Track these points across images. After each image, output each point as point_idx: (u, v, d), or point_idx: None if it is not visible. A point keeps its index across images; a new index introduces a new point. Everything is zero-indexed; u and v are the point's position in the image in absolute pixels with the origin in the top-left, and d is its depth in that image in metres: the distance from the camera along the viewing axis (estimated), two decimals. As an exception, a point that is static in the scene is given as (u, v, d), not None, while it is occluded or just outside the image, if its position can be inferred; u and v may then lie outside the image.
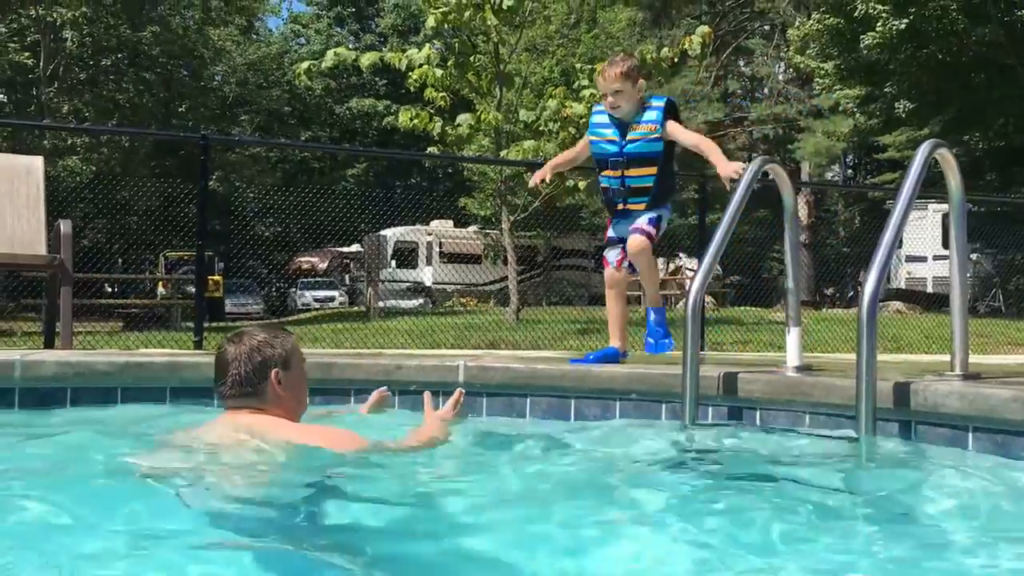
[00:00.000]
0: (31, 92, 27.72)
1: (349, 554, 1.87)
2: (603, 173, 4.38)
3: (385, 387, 3.71)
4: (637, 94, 4.25)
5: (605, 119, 4.34)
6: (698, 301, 3.47)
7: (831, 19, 20.49)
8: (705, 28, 12.79)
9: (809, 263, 25.38)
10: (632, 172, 4.28)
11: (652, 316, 4.55)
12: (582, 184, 12.68)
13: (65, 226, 5.49)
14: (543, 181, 4.61)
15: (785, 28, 28.32)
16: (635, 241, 4.26)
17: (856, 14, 18.90)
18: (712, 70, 30.99)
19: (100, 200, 21.28)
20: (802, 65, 24.16)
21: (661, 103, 4.28)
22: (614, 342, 4.37)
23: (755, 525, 2.03)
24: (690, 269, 22.80)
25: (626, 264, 4.39)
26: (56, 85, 27.70)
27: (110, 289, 20.75)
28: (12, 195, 5.60)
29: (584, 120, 12.29)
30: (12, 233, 5.50)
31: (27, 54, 26.58)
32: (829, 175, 36.17)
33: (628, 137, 4.27)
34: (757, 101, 34.62)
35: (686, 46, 12.42)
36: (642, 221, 4.31)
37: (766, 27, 32.39)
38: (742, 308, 17.53)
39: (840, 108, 24.09)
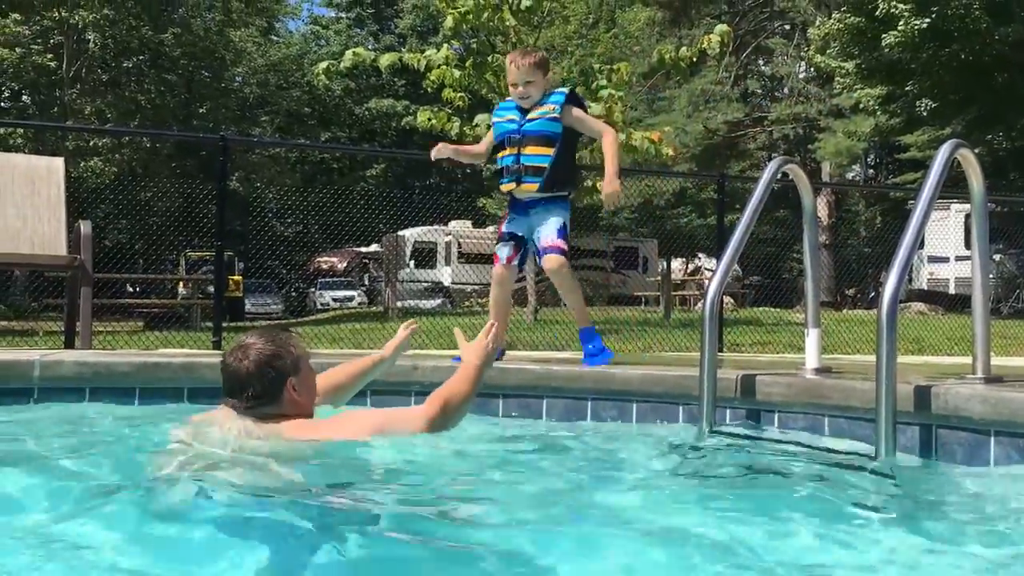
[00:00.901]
0: (54, 93, 27.96)
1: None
2: (500, 154, 4.41)
3: (413, 321, 3.71)
4: (546, 84, 4.35)
5: (511, 105, 4.42)
6: (715, 302, 3.44)
7: (852, 18, 20.35)
8: (724, 27, 12.71)
9: (830, 264, 25.22)
10: (528, 150, 4.30)
11: (583, 338, 4.41)
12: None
13: (85, 227, 5.53)
14: (438, 158, 4.53)
15: (806, 27, 28.15)
16: (551, 261, 4.21)
17: (877, 13, 18.77)
18: (732, 70, 30.85)
19: (122, 200, 21.47)
20: (823, 64, 23.98)
21: (565, 90, 4.40)
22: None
23: (768, 531, 2.01)
24: (709, 270, 22.70)
25: (516, 262, 4.40)
26: (79, 87, 27.93)
27: (132, 289, 20.90)
28: (33, 196, 5.65)
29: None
30: (33, 233, 5.55)
31: (50, 56, 26.82)
32: (850, 175, 35.92)
33: (528, 117, 4.34)
34: (777, 101, 34.42)
35: (705, 45, 12.35)
36: (550, 235, 4.25)
37: (786, 26, 32.20)
38: (762, 309, 17.43)
39: (861, 107, 23.90)
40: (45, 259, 5.64)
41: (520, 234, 4.39)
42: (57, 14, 26.35)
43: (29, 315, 16.42)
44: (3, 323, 14.77)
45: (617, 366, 4.08)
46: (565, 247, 4.26)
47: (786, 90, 33.55)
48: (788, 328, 11.52)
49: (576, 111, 4.34)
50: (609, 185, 4.19)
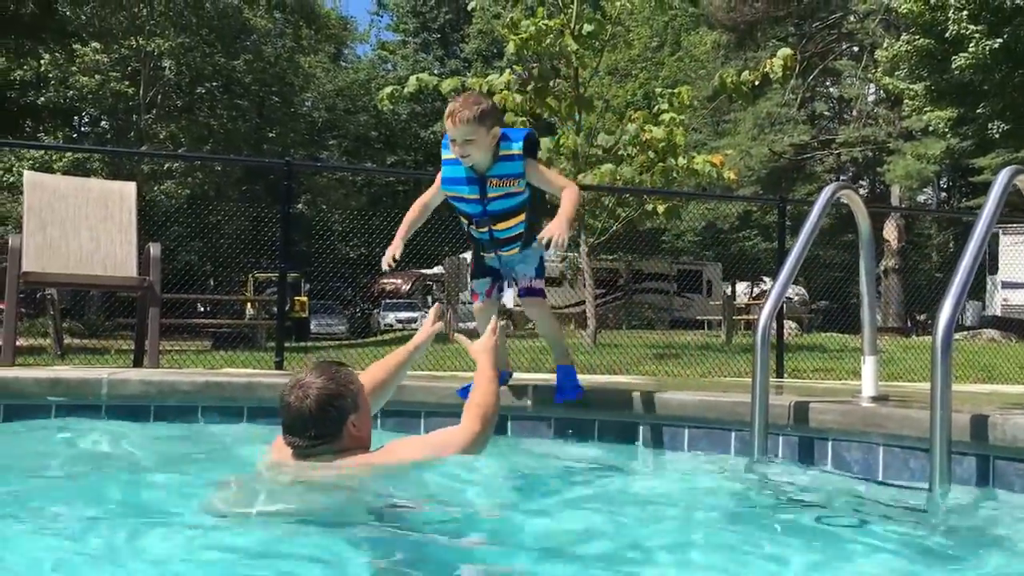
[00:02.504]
0: (131, 119, 28.95)
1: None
2: (468, 226, 3.88)
3: (438, 304, 3.78)
4: (492, 141, 3.60)
5: (460, 173, 3.71)
6: (767, 328, 3.41)
7: (921, 40, 20.01)
8: (787, 51, 12.60)
9: (899, 289, 24.65)
10: (500, 226, 3.79)
11: (560, 375, 4.09)
12: (661, 207, 12.60)
13: (154, 249, 5.72)
14: (395, 259, 3.71)
15: (874, 49, 27.72)
16: (533, 305, 3.96)
17: (947, 35, 18.42)
18: (798, 92, 30.53)
19: (194, 222, 22.06)
20: (891, 86, 23.59)
21: (519, 146, 3.65)
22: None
23: (813, 564, 1.99)
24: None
25: (494, 294, 4.07)
26: (154, 112, 28.88)
27: (201, 309, 21.41)
28: (107, 219, 5.86)
29: (664, 144, 12.25)
30: (106, 256, 5.75)
31: (128, 83, 27.80)
32: (921, 198, 35.13)
33: (488, 195, 3.70)
34: (845, 123, 33.91)
35: (767, 69, 12.27)
36: (528, 275, 3.93)
37: (854, 48, 31.76)
38: (826, 334, 17.12)
39: (931, 130, 23.42)
40: (116, 280, 5.84)
41: (495, 267, 4.04)
42: (135, 42, 27.32)
43: (102, 334, 16.95)
44: (78, 341, 15.26)
45: (672, 391, 4.06)
46: (543, 286, 3.99)
47: (854, 112, 33.05)
48: (853, 354, 11.29)
49: (537, 171, 3.72)
50: (556, 226, 3.45)
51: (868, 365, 3.68)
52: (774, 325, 4.19)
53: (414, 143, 42.88)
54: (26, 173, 6.18)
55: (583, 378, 4.19)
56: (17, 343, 5.59)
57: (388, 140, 41.28)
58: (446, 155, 3.74)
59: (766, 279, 27.15)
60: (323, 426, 2.73)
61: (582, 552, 2.09)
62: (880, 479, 3.12)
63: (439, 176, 3.81)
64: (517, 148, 3.64)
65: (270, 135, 33.60)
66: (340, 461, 2.74)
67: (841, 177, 32.29)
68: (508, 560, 2.07)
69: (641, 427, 3.88)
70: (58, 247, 5.63)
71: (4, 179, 21.74)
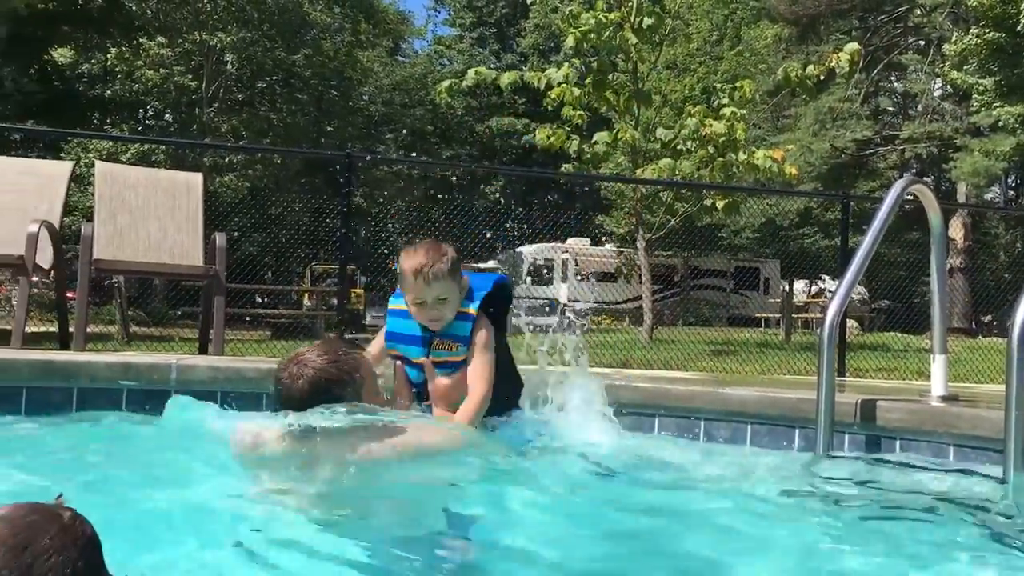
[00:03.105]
0: (194, 112, 29.52)
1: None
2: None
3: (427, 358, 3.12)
4: (461, 296, 3.05)
5: (412, 329, 3.10)
6: (835, 325, 3.36)
7: (991, 33, 19.49)
8: (854, 45, 12.39)
9: (965, 289, 24.07)
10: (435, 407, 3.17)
11: None
12: (720, 203, 12.48)
13: (220, 239, 5.82)
14: None
15: (941, 43, 27.07)
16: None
17: (1019, 28, 17.90)
18: (862, 87, 29.94)
19: (254, 214, 22.40)
20: (959, 81, 23.01)
21: (476, 306, 3.05)
22: None
23: (885, 563, 1.96)
24: (833, 292, 22.01)
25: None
26: (216, 106, 29.40)
27: (260, 300, 21.76)
28: (174, 209, 5.99)
29: (724, 139, 12.11)
30: (173, 244, 5.88)
31: (191, 77, 28.35)
32: (989, 196, 34.22)
33: (432, 358, 3.09)
34: (910, 119, 33.16)
35: (833, 63, 12.06)
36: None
37: (921, 42, 31.04)
38: (889, 334, 16.79)
39: (1001, 126, 22.79)
40: (183, 269, 5.96)
41: None
42: (198, 37, 27.84)
43: (167, 322, 17.33)
44: (143, 329, 15.63)
45: (733, 387, 4.02)
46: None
47: (920, 108, 32.31)
48: (916, 355, 11.07)
49: (478, 347, 3.05)
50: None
51: (938, 364, 3.60)
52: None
53: (469, 137, 43.01)
54: (97, 163, 6.34)
55: (640, 373, 4.16)
56: (86, 329, 5.73)
57: (444, 134, 41.46)
58: (395, 305, 3.15)
59: (825, 277, 26.72)
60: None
61: (648, 551, 2.08)
62: (949, 478, 3.05)
63: (381, 332, 3.20)
64: (474, 307, 3.01)
65: (328, 129, 33.97)
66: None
67: (905, 174, 31.60)
68: (575, 554, 2.07)
69: (702, 422, 3.85)
70: (127, 235, 5.77)
71: (72, 171, 22.27)
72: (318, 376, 2.47)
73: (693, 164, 12.32)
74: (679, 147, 12.59)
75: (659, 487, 2.85)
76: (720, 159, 12.11)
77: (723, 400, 3.82)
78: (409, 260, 3.00)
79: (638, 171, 12.70)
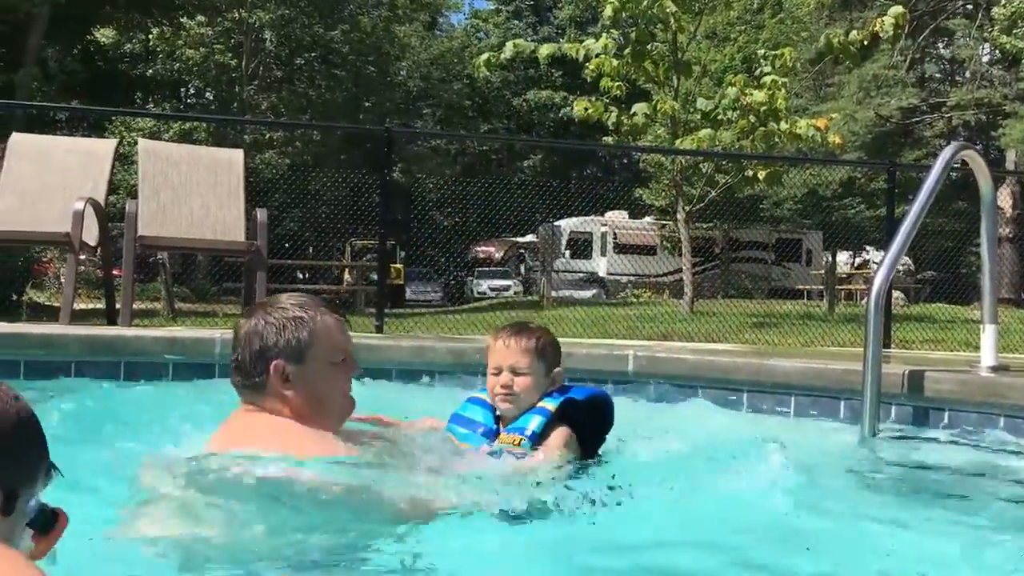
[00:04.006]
0: (234, 90, 29.75)
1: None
2: None
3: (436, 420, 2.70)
4: (546, 383, 2.56)
5: (486, 417, 2.59)
6: (881, 294, 3.30)
7: (1044, -6, 18.91)
8: (899, 9, 12.08)
9: (1014, 258, 23.57)
10: None
11: None
12: (761, 174, 12.31)
13: (261, 215, 5.87)
14: None
15: (990, 7, 26.34)
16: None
17: (1073, -12, 17.36)
18: (907, 53, 29.28)
19: (294, 191, 22.58)
20: (1009, 46, 22.40)
21: (559, 402, 2.50)
22: None
23: (934, 533, 1.92)
24: (877, 263, 21.68)
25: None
26: (256, 84, 29.59)
27: (301, 275, 21.96)
28: (215, 185, 6.04)
29: (765, 108, 11.92)
30: (215, 221, 5.94)
31: (231, 55, 28.55)
32: (1038, 164, 33.38)
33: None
34: (957, 85, 32.41)
35: (877, 28, 11.79)
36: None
37: (968, 6, 30.24)
38: (935, 305, 16.51)
39: (1052, 90, 22.20)
40: (225, 244, 6.03)
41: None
42: (238, 15, 27.99)
43: (211, 298, 17.56)
44: (187, 305, 15.86)
45: (776, 358, 3.98)
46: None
47: (967, 74, 31.55)
48: (964, 326, 10.86)
49: (550, 443, 2.47)
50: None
51: (988, 334, 3.53)
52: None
53: (507, 111, 42.86)
54: (141, 141, 6.41)
55: (680, 345, 4.14)
56: (133, 306, 5.82)
57: (481, 108, 41.36)
58: (477, 393, 2.69)
59: (869, 248, 26.30)
60: (245, 354, 2.15)
61: (694, 530, 2.06)
62: (999, 449, 2.99)
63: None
64: (554, 404, 2.49)
65: (366, 104, 34.06)
66: (245, 418, 2.18)
67: (952, 142, 30.93)
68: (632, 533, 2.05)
69: (745, 394, 3.81)
70: (171, 212, 5.84)
71: (116, 148, 22.59)
72: (261, 319, 2.16)
73: (733, 134, 12.15)
74: (719, 117, 12.41)
75: (701, 456, 2.83)
76: (761, 129, 11.93)
77: (767, 371, 3.78)
78: (497, 330, 2.67)
79: (678, 142, 12.57)
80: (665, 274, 22.20)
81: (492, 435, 2.54)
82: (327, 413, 2.21)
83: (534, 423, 2.44)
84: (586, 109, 12.41)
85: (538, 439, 2.44)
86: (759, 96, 11.80)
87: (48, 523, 1.16)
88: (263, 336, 2.13)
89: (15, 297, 12.21)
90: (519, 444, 2.44)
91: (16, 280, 12.39)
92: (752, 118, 12.00)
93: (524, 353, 2.52)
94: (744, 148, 12.03)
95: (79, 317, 6.47)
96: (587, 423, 2.54)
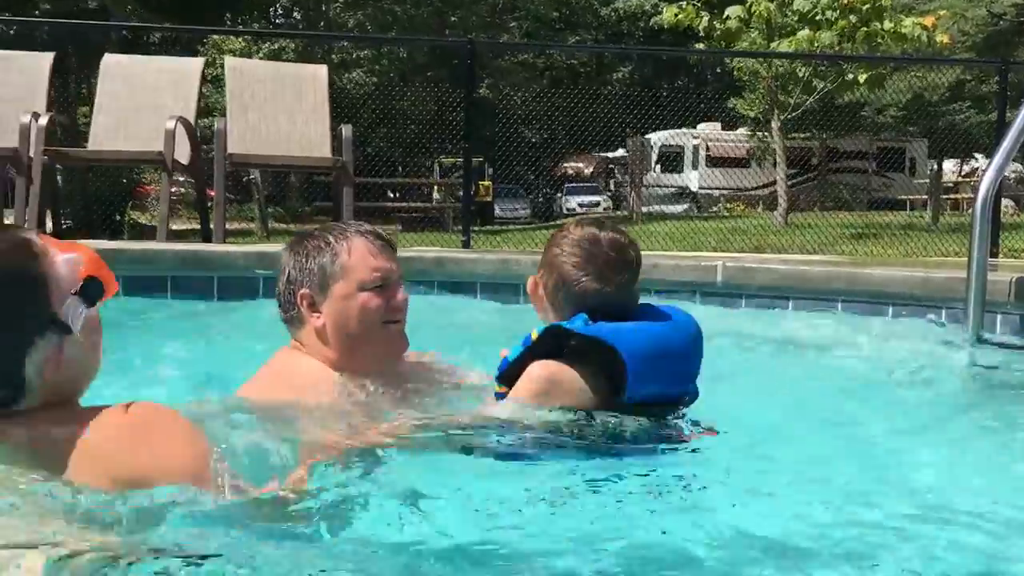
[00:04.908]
0: (321, 8, 29.75)
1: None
2: None
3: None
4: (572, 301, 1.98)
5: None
6: (988, 198, 3.11)
7: None
8: None
9: None
10: None
11: None
12: (862, 77, 11.73)
13: (346, 130, 5.88)
14: None
15: None
16: None
17: None
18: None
19: (381, 109, 22.65)
20: None
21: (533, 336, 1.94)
22: None
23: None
24: (985, 168, 20.67)
25: None
26: (342, 1, 29.49)
27: (392, 195, 22.16)
28: (301, 101, 6.06)
29: (868, 7, 11.29)
30: (301, 137, 5.98)
31: (316, -28, 28.45)
32: None
33: None
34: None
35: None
36: None
37: None
38: (1048, 214, 15.68)
39: None
40: (312, 160, 6.08)
41: None
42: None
43: (303, 217, 17.91)
44: (281, 225, 16.22)
45: (874, 266, 3.82)
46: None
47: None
48: (1079, 235, 10.30)
49: None
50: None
51: (1107, 238, 3.30)
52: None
53: (595, 21, 41.80)
54: (228, 59, 6.47)
55: (774, 257, 4.01)
56: (227, 226, 5.95)
57: (568, 20, 40.42)
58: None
59: (978, 156, 25.02)
60: (280, 289, 2.03)
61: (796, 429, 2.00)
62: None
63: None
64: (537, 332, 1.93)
65: (452, 19, 33.63)
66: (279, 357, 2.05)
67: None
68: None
69: (839, 303, 3.68)
70: (258, 129, 5.89)
71: (208, 72, 22.98)
72: (291, 253, 2.00)
73: (833, 35, 11.56)
74: (817, 18, 11.82)
75: (799, 366, 2.75)
76: (863, 29, 11.32)
77: (864, 280, 3.64)
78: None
79: (773, 46, 12.05)
80: (759, 187, 21.62)
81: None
82: (361, 349, 1.98)
83: (506, 353, 1.96)
84: (676, 15, 11.98)
85: (504, 378, 1.94)
86: (861, -7, 11.19)
87: (97, 291, 1.37)
88: (291, 265, 1.99)
89: (118, 217, 12.67)
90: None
91: (118, 201, 12.84)
92: (853, 18, 11.39)
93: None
94: (844, 50, 11.45)
95: (178, 237, 6.67)
96: (606, 364, 1.84)
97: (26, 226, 5.41)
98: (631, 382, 1.78)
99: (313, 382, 1.93)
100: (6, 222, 5.71)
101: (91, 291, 1.35)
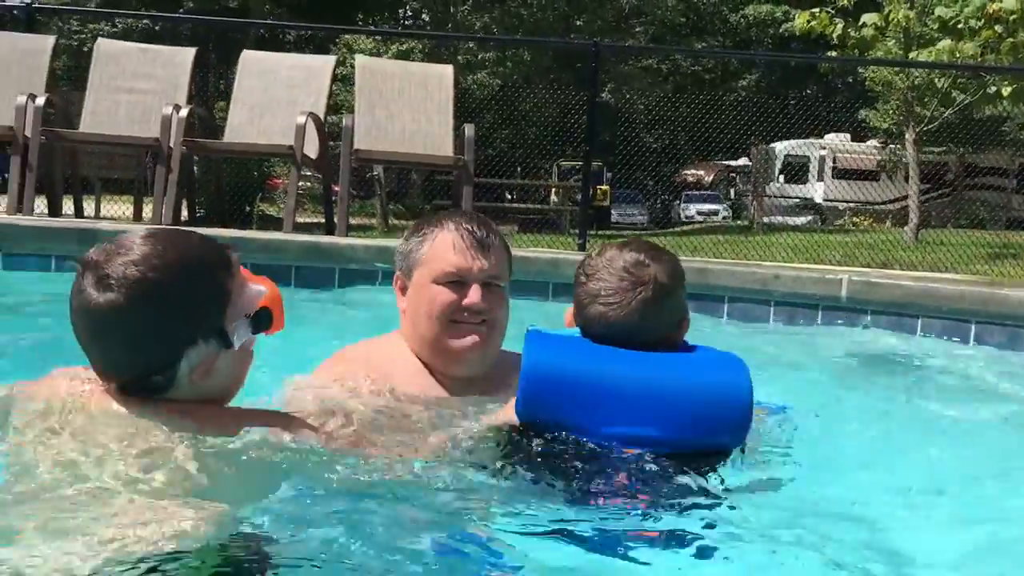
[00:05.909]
0: (449, 11, 30.25)
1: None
2: None
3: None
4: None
5: None
6: None
7: None
8: None
9: None
10: None
11: None
12: (1006, 91, 11.15)
13: (469, 130, 5.95)
14: None
15: None
16: None
17: None
18: None
19: (504, 111, 22.85)
20: None
21: None
22: None
23: None
24: None
25: None
26: (469, 3, 29.93)
27: (510, 196, 22.33)
28: (426, 100, 6.18)
29: (1016, 16, 10.73)
30: (425, 135, 6.09)
31: (446, -26, 28.94)
32: None
33: None
34: None
35: None
36: None
37: None
38: None
39: None
40: (434, 159, 6.18)
41: None
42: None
43: (422, 215, 18.21)
44: (402, 222, 16.57)
45: (1012, 287, 3.62)
46: None
47: None
48: None
49: None
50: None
51: None
52: None
53: (723, 27, 41.10)
54: (358, 57, 6.65)
55: (904, 273, 3.85)
56: (350, 221, 6.11)
57: (696, 25, 39.88)
58: None
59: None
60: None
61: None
62: None
63: None
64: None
65: (577, 23, 33.65)
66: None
67: None
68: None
69: (973, 326, 3.50)
70: (384, 127, 6.04)
71: (338, 71, 23.68)
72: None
73: (976, 46, 11.02)
74: (960, 27, 11.29)
75: (928, 386, 2.63)
76: (1009, 40, 10.75)
77: (1001, 301, 3.45)
78: None
79: (911, 56, 11.58)
80: (889, 201, 20.81)
81: None
82: (429, 344, 1.93)
83: None
84: (809, 21, 11.66)
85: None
86: (1009, 2, 10.61)
87: (266, 322, 1.54)
88: (399, 248, 2.03)
89: (248, 209, 13.18)
90: None
91: (249, 193, 13.35)
92: (999, 28, 10.83)
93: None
94: (988, 61, 10.91)
95: (303, 229, 6.87)
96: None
97: (164, 212, 5.68)
98: (519, 398, 1.68)
99: (386, 371, 1.92)
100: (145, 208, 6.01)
101: (261, 320, 1.54)
